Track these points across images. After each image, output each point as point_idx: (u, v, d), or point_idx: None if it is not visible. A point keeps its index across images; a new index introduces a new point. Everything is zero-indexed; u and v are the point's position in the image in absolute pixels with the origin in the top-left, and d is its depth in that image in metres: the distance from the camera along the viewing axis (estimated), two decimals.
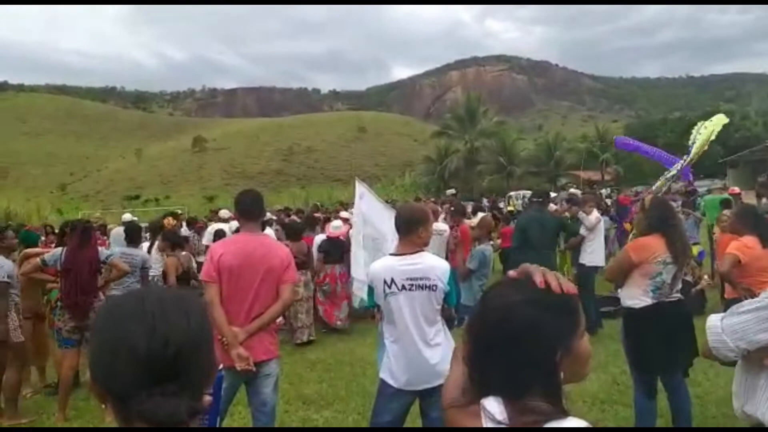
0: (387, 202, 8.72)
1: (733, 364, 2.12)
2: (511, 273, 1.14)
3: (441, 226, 7.41)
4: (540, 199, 7.40)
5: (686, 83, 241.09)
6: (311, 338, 7.30)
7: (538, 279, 1.08)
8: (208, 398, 0.95)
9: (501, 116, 53.84)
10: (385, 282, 2.93)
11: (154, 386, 0.83)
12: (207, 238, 9.32)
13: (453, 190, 20.56)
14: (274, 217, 12.18)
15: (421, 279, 2.90)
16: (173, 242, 5.42)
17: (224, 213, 11.74)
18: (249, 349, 3.07)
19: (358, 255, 5.91)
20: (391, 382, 2.98)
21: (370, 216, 6.09)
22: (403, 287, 2.90)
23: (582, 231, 7.73)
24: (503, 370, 1.04)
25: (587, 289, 7.24)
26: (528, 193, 21.01)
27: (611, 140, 37.11)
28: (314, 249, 7.91)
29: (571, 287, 1.09)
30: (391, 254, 3.06)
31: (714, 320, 2.03)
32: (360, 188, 6.36)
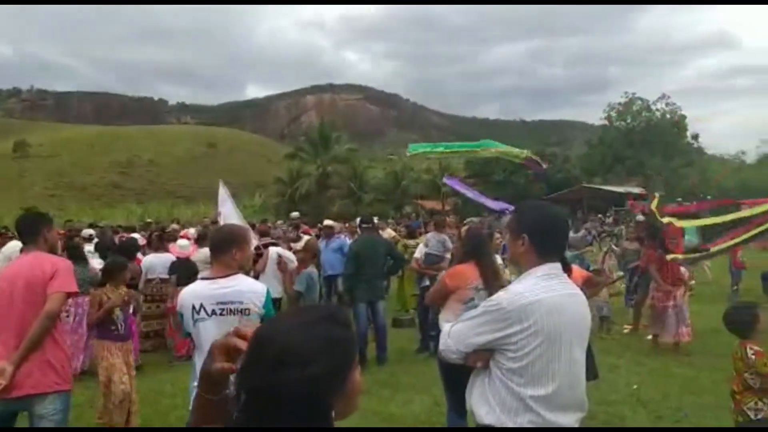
0: None
1: None
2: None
3: (291, 255, 7.32)
4: (369, 225, 7.64)
5: (519, 126, 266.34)
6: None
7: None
8: None
9: (354, 143, 55.15)
10: (193, 308, 2.76)
11: None
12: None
13: (297, 213, 20.24)
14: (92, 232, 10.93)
15: (232, 303, 2.76)
16: None
17: None
18: (15, 382, 2.71)
19: None
20: None
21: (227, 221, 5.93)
22: (213, 312, 2.75)
23: (436, 251, 8.14)
24: None
25: None
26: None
27: (452, 173, 39.71)
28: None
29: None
30: (202, 278, 2.91)
31: (446, 326, 2.23)
32: (223, 194, 6.24)
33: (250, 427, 1.00)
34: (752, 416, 3.40)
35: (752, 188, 23.88)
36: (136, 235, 10.60)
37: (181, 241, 8.04)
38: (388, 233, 12.01)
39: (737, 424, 3.52)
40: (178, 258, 7.55)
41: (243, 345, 1.08)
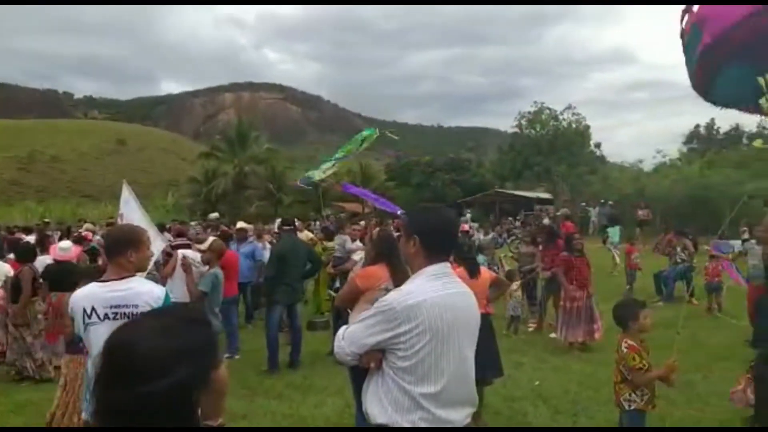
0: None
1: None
2: None
3: (197, 256, 7.07)
4: (291, 227, 7.60)
5: (437, 131, 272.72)
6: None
7: None
8: None
9: (273, 144, 54.17)
10: (84, 311, 2.62)
11: None
12: None
13: (217, 214, 19.71)
14: None
15: (126, 306, 2.64)
16: None
17: None
18: None
19: None
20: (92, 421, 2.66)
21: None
22: (106, 316, 2.62)
23: (339, 254, 8.24)
24: None
25: None
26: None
27: (372, 176, 40.02)
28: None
29: None
30: (96, 281, 2.76)
31: (341, 329, 2.27)
32: (126, 194, 6.04)
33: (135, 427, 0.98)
34: (626, 407, 3.63)
35: (649, 194, 25.70)
36: (28, 238, 9.88)
37: (63, 243, 7.56)
38: (305, 235, 11.93)
39: (619, 414, 3.77)
40: (55, 261, 7.07)
41: None
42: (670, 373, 3.59)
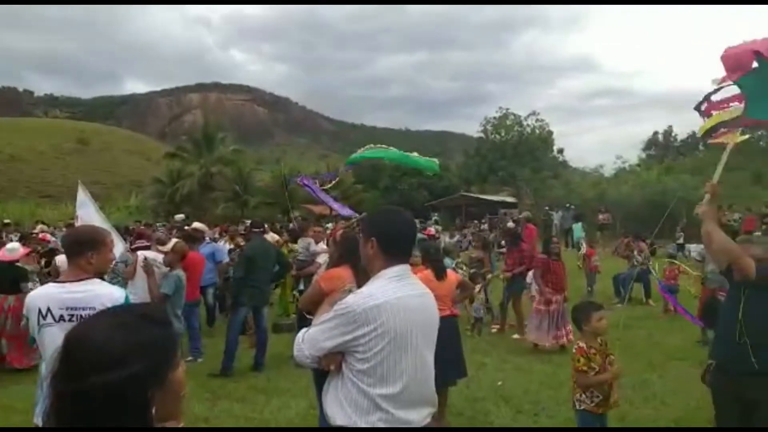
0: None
1: None
2: None
3: (159, 257, 6.96)
4: (261, 229, 7.58)
5: (405, 135, 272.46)
6: None
7: None
8: None
9: (240, 145, 53.51)
10: (39, 312, 2.56)
11: None
12: None
13: (183, 215, 19.40)
14: None
15: (83, 309, 2.59)
16: None
17: None
18: None
19: None
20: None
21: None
22: (61, 318, 2.57)
23: (303, 257, 8.23)
24: None
25: None
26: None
27: (340, 179, 39.88)
28: None
29: None
30: (54, 281, 2.71)
31: (301, 332, 2.26)
32: (82, 196, 5.88)
33: (75, 427, 0.98)
34: (577, 406, 3.71)
35: (609, 199, 26.32)
36: None
37: (10, 244, 7.43)
38: (271, 237, 11.85)
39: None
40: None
41: None
42: (614, 379, 3.67)
